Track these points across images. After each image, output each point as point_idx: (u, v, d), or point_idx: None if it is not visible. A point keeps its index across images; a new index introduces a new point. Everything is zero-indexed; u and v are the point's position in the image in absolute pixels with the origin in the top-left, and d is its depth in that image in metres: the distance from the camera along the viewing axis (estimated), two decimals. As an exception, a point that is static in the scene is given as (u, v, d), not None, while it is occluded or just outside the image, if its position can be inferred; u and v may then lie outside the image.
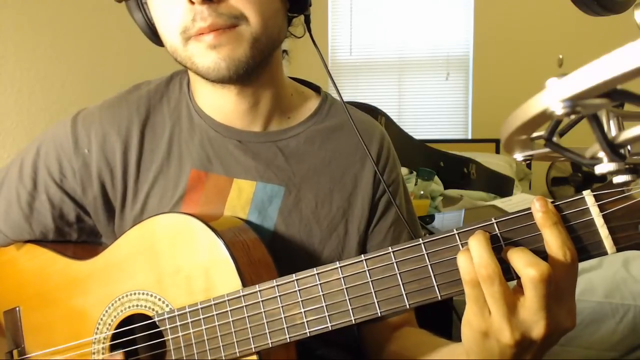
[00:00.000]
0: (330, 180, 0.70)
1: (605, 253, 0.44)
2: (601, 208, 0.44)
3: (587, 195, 0.44)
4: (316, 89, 0.78)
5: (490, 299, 0.44)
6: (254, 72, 0.62)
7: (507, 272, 0.45)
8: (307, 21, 0.69)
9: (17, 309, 0.71)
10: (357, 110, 0.78)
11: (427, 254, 0.48)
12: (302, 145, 0.71)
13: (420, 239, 0.49)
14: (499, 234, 0.46)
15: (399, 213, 0.71)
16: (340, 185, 0.70)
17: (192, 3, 0.56)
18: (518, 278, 0.45)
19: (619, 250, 0.44)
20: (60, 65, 1.41)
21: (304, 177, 0.69)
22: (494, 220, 0.47)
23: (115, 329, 0.63)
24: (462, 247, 0.48)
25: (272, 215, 0.67)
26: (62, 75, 1.42)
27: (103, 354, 0.64)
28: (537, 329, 0.44)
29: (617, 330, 1.10)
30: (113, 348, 0.64)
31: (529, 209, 0.46)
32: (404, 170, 1.74)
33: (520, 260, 0.43)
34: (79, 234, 0.72)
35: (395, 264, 0.49)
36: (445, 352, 0.60)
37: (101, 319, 0.64)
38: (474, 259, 0.44)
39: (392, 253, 0.50)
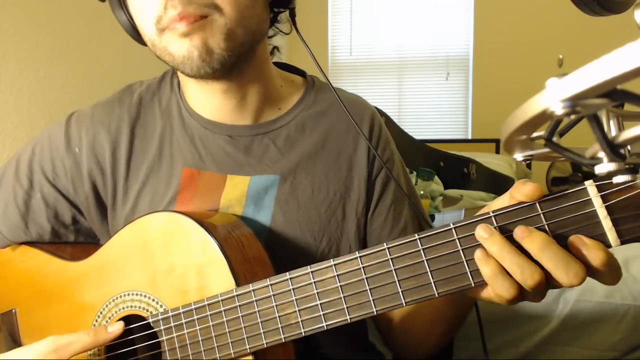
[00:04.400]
0: (324, 165, 0.69)
1: (608, 246, 0.42)
2: (604, 199, 0.42)
3: (590, 185, 0.42)
4: (302, 73, 0.77)
5: (535, 292, 0.44)
6: (234, 67, 0.61)
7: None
8: (292, 15, 0.67)
9: (14, 310, 0.71)
10: (345, 91, 0.77)
11: (423, 249, 0.47)
12: (294, 133, 0.70)
13: (416, 234, 0.47)
14: (497, 228, 0.45)
15: (399, 185, 0.70)
16: (335, 169, 0.70)
17: None
18: None
19: (623, 242, 0.42)
20: (60, 65, 1.41)
21: (299, 163, 0.69)
22: (492, 214, 0.45)
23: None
24: (459, 241, 0.46)
25: (269, 205, 0.67)
26: (62, 75, 1.42)
27: (99, 355, 0.64)
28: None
29: (617, 330, 1.10)
30: (109, 349, 0.64)
31: (527, 202, 0.44)
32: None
33: (560, 270, 0.42)
34: (75, 235, 0.72)
35: (390, 260, 0.48)
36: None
37: (96, 320, 0.64)
38: (514, 271, 0.43)
39: (387, 249, 0.48)
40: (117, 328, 0.59)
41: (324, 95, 0.74)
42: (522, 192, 0.44)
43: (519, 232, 0.43)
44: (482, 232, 0.44)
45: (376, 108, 0.79)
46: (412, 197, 0.75)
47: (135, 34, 0.65)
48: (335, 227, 0.68)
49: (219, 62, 0.59)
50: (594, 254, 0.41)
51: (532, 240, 0.42)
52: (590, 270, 0.42)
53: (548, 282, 0.43)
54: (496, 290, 0.44)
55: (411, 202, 0.72)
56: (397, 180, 0.70)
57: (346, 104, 0.69)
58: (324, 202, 0.68)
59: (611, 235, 0.42)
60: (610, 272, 0.42)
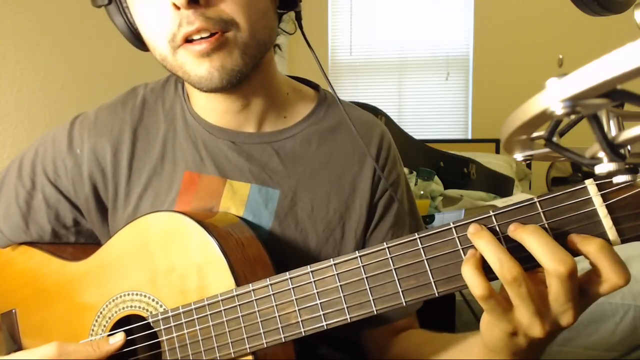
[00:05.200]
0: (327, 183, 0.69)
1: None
2: (604, 198, 0.42)
3: (590, 184, 0.42)
4: (315, 87, 0.77)
5: (517, 299, 0.43)
6: (246, 78, 0.61)
7: (528, 261, 0.43)
8: (298, 18, 0.66)
9: (14, 311, 0.71)
10: (356, 108, 0.76)
11: (423, 248, 0.47)
12: (299, 147, 0.69)
13: (416, 234, 0.47)
14: (497, 227, 0.45)
15: (401, 206, 0.69)
16: (338, 188, 0.69)
17: (178, 8, 0.54)
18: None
19: (623, 241, 0.42)
20: (60, 65, 1.41)
21: (300, 179, 0.68)
22: (491, 213, 0.45)
23: (111, 330, 0.63)
24: (459, 240, 0.46)
25: (267, 219, 0.66)
26: (62, 75, 1.42)
27: None
28: (567, 317, 0.43)
29: (617, 330, 1.10)
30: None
31: (527, 200, 0.44)
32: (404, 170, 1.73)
33: (545, 255, 0.41)
34: (76, 237, 0.72)
35: (390, 259, 0.48)
36: (458, 349, 0.58)
37: (96, 320, 0.64)
38: (494, 264, 0.43)
39: (387, 249, 0.48)
40: (118, 339, 0.60)
41: (334, 111, 0.73)
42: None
43: (511, 227, 0.44)
44: (471, 229, 0.45)
45: (376, 108, 0.79)
46: (415, 219, 0.75)
47: (134, 40, 0.63)
48: (333, 247, 0.68)
49: (237, 78, 0.59)
50: (589, 242, 0.41)
51: (524, 229, 0.43)
52: (593, 268, 0.42)
53: (543, 304, 0.43)
54: (470, 288, 0.44)
55: (413, 223, 0.71)
56: (400, 203, 0.69)
57: (356, 123, 0.68)
58: (323, 220, 0.68)
59: (612, 233, 0.42)
60: (613, 265, 0.41)
